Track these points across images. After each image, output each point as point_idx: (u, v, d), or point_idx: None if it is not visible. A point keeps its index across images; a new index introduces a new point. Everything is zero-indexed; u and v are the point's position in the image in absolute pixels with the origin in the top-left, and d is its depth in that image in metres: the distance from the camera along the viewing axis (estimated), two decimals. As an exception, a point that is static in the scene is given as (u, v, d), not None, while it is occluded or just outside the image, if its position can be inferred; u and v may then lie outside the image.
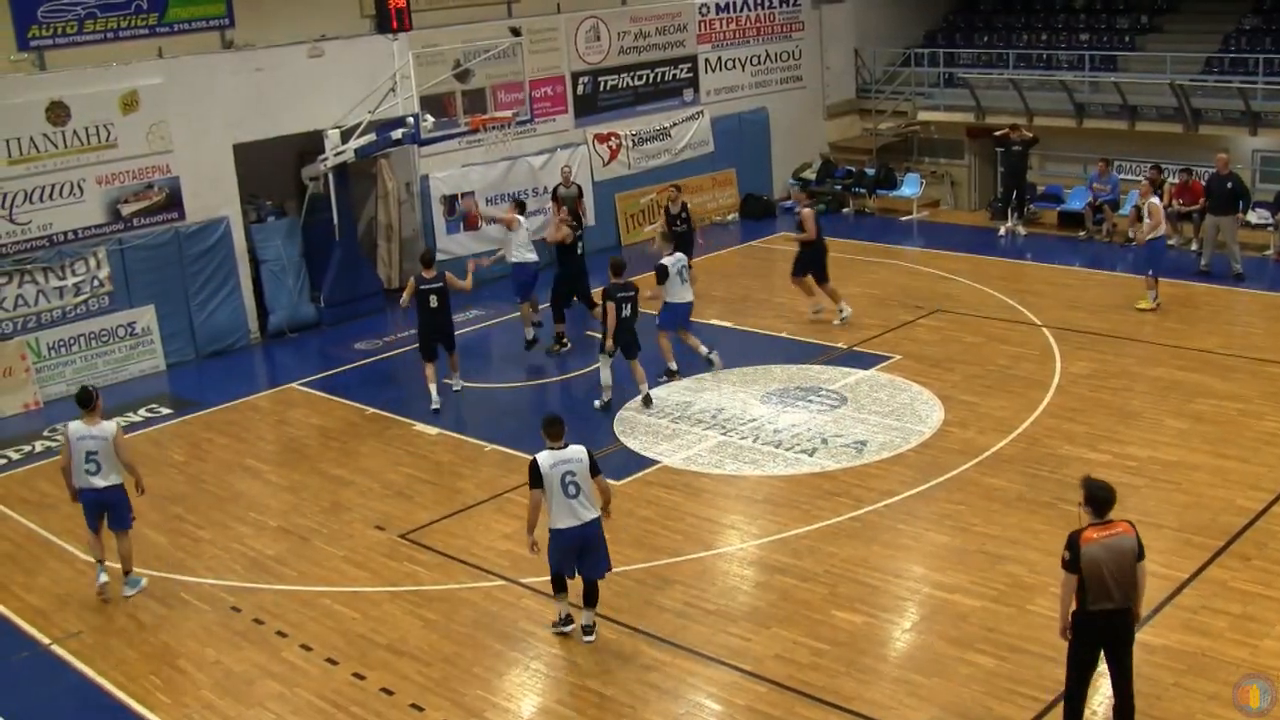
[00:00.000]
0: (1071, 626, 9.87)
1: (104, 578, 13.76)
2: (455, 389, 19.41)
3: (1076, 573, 9.62)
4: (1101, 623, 9.75)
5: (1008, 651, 11.55)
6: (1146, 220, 20.73)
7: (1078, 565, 9.60)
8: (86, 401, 13.54)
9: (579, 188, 25.12)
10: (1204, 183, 23.57)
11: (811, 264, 21.35)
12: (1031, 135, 27.09)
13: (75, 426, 13.56)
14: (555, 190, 24.67)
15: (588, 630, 12.40)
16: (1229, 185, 22.98)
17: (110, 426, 13.52)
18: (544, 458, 11.94)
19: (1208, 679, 10.83)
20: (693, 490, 15.53)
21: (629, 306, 18.01)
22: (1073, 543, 9.65)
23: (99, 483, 13.52)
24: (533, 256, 20.81)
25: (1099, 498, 9.73)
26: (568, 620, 12.54)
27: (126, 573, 13.95)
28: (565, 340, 21.07)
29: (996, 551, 13.45)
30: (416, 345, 19.25)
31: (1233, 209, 23.08)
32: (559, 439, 12.05)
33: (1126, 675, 9.94)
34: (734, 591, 13.14)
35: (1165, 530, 13.58)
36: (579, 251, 21.13)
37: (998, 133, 27.37)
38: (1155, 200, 21.03)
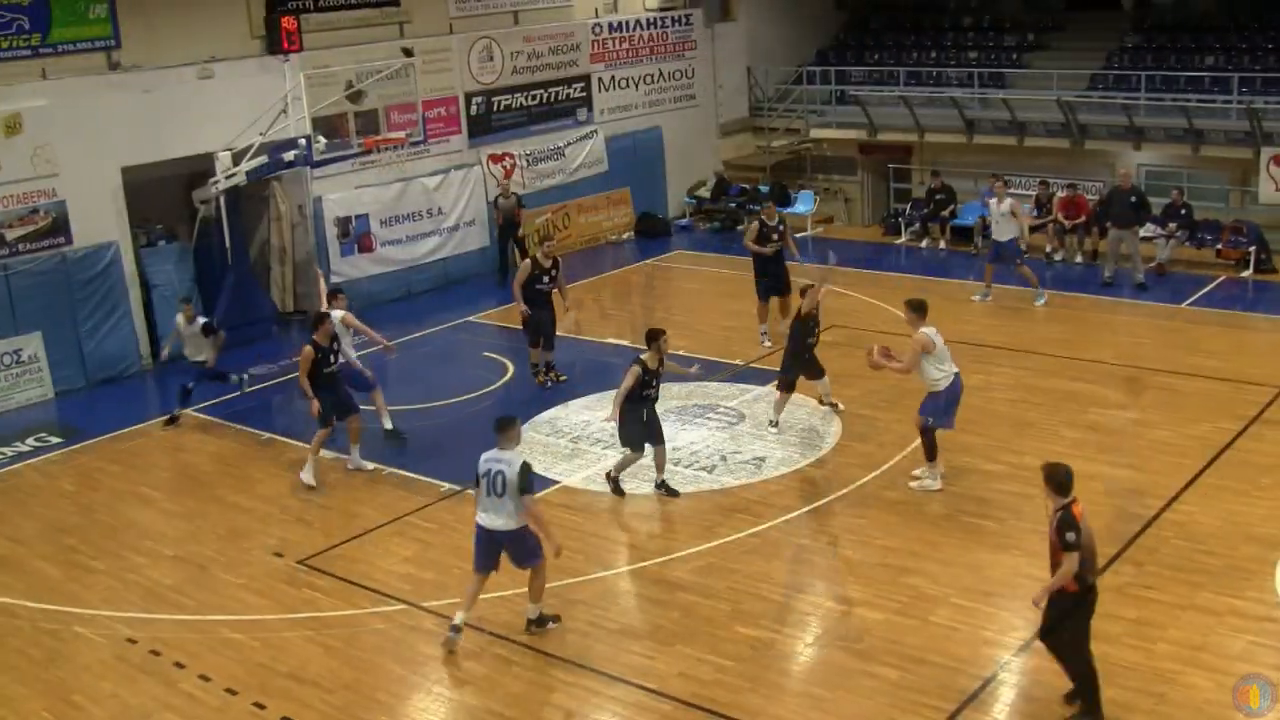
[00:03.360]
0: (1075, 607, 10.27)
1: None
2: (366, 468, 17.40)
3: (1078, 550, 10.07)
4: (1094, 596, 10.39)
5: (911, 663, 11.63)
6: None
7: (1079, 543, 10.06)
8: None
9: (517, 196, 25.96)
10: (1102, 196, 24.21)
11: None
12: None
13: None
14: (496, 200, 25.04)
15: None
16: (1132, 199, 23.83)
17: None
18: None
19: (1107, 684, 10.90)
20: (593, 510, 15.50)
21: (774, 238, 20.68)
22: (1074, 523, 10.10)
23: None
24: None
25: (1065, 481, 10.32)
26: None
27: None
28: None
29: (897, 564, 13.56)
30: None
31: (1136, 222, 23.81)
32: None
33: None
34: (636, 610, 13.13)
35: (1061, 539, 13.79)
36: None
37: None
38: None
